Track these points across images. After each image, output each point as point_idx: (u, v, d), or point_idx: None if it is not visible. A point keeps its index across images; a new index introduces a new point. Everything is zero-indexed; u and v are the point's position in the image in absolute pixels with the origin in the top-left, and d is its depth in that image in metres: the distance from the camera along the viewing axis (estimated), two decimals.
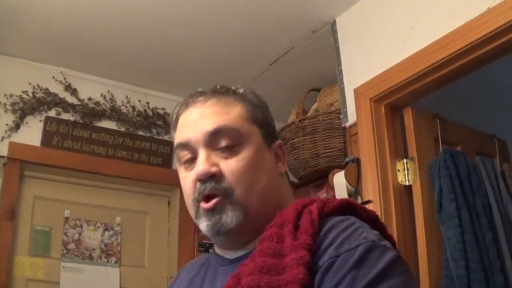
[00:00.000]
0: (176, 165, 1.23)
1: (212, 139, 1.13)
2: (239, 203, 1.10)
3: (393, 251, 0.97)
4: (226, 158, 1.12)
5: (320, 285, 0.92)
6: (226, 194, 1.10)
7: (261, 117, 1.21)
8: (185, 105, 1.21)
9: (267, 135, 1.21)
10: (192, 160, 1.15)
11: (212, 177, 1.10)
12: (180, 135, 1.18)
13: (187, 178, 1.15)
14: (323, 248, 0.97)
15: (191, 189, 1.14)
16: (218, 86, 1.22)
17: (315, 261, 0.94)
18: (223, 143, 1.12)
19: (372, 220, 1.11)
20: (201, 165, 1.11)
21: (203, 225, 1.11)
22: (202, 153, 1.13)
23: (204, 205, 1.11)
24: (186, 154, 1.16)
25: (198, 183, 1.12)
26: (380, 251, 0.95)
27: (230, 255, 1.17)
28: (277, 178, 1.19)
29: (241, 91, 1.23)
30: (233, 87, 1.23)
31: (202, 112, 1.16)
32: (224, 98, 1.19)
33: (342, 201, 1.11)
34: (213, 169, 1.10)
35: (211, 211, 1.10)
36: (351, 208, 1.11)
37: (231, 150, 1.13)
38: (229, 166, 1.11)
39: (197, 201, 1.12)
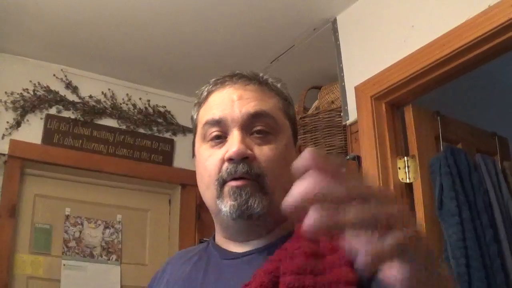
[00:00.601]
0: (196, 140, 1.18)
1: (250, 123, 1.10)
2: (268, 191, 1.07)
3: None
4: (259, 144, 1.10)
5: None
6: (257, 180, 1.06)
7: (292, 115, 1.21)
8: (221, 83, 1.17)
9: (295, 131, 1.21)
10: (220, 138, 1.11)
11: (245, 160, 1.06)
12: (213, 111, 1.13)
13: (213, 157, 1.11)
14: None
15: (215, 168, 1.09)
16: (260, 74, 1.20)
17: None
18: (260, 127, 1.10)
19: None
20: (236, 145, 1.07)
21: (227, 205, 1.07)
22: (236, 133, 1.09)
23: (233, 183, 1.06)
24: (214, 131, 1.12)
25: (227, 163, 1.08)
26: None
27: (238, 248, 1.13)
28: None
29: (278, 85, 1.21)
30: (270, 80, 1.21)
31: (242, 94, 1.13)
32: (262, 87, 1.17)
33: None
34: (249, 151, 1.07)
35: (239, 191, 1.06)
36: None
37: (265, 137, 1.10)
38: (263, 152, 1.09)
39: (223, 180, 1.08)
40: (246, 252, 1.11)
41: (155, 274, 1.31)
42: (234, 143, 1.07)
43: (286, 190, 1.06)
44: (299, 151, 1.19)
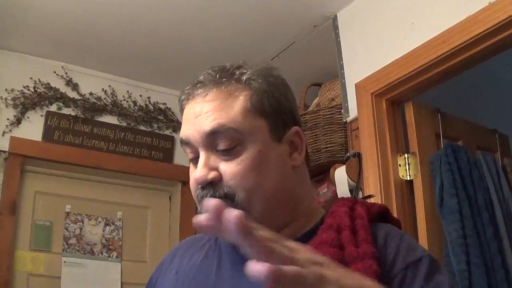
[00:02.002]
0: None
1: (211, 140, 1.05)
2: (241, 208, 1.00)
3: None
4: (226, 160, 1.05)
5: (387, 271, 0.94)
6: (227, 199, 1.02)
7: (269, 105, 1.09)
8: (187, 96, 1.12)
9: (277, 125, 1.09)
10: (196, 159, 1.08)
11: (211, 184, 1.04)
12: (182, 131, 1.11)
13: (191, 176, 1.10)
14: (391, 259, 0.98)
15: (194, 189, 1.09)
16: (218, 75, 1.10)
17: (382, 269, 0.94)
18: (221, 145, 1.04)
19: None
20: (199, 171, 1.05)
21: None
22: (201, 156, 1.06)
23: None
24: (190, 152, 1.10)
25: (199, 186, 1.06)
26: (437, 263, 1.02)
27: None
28: (289, 174, 1.10)
29: (245, 77, 1.10)
30: (237, 72, 1.11)
31: (201, 108, 1.07)
32: (225, 89, 1.08)
33: (382, 207, 1.13)
34: (211, 175, 1.04)
35: None
36: (385, 213, 1.13)
37: (231, 151, 1.04)
38: (229, 169, 1.04)
39: (199, 200, 1.07)
40: None
41: (160, 264, 1.28)
42: (198, 169, 1.05)
43: (268, 197, 1.05)
44: (297, 135, 1.13)
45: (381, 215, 1.11)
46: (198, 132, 1.06)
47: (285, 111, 1.12)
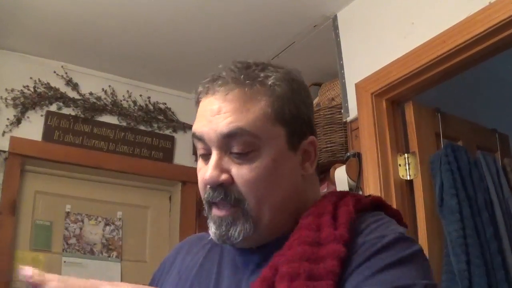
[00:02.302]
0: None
1: (226, 142, 1.02)
2: (250, 216, 1.02)
3: (419, 246, 0.97)
4: (239, 164, 1.02)
5: (348, 266, 0.90)
6: (238, 205, 1.01)
7: (289, 112, 1.06)
8: (206, 90, 1.08)
9: (294, 133, 1.07)
10: (207, 155, 1.05)
11: (222, 186, 1.01)
12: (196, 125, 1.07)
13: (200, 174, 1.07)
14: (357, 243, 0.95)
15: (203, 187, 1.06)
16: (243, 75, 1.05)
17: (349, 256, 0.92)
18: (236, 148, 1.01)
19: (397, 219, 1.08)
20: (210, 171, 1.01)
21: (211, 230, 1.05)
22: (213, 156, 1.03)
23: (216, 212, 1.04)
24: (201, 148, 1.07)
25: (208, 186, 1.03)
26: (408, 242, 0.95)
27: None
28: (299, 184, 1.08)
29: (270, 82, 1.06)
30: (262, 75, 1.07)
31: (220, 106, 1.03)
32: (248, 91, 1.04)
33: (374, 199, 1.10)
34: (222, 177, 1.01)
35: (219, 221, 1.03)
36: (380, 205, 1.10)
37: (246, 156, 1.02)
38: (242, 174, 1.01)
39: (208, 202, 1.05)
40: (261, 246, 1.07)
41: (163, 262, 1.28)
42: (208, 168, 1.02)
43: (277, 207, 1.04)
44: (312, 145, 1.11)
45: (375, 205, 1.08)
46: (215, 132, 1.02)
47: (304, 118, 1.10)
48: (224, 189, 1.02)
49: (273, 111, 1.04)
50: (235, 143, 1.02)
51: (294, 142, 1.07)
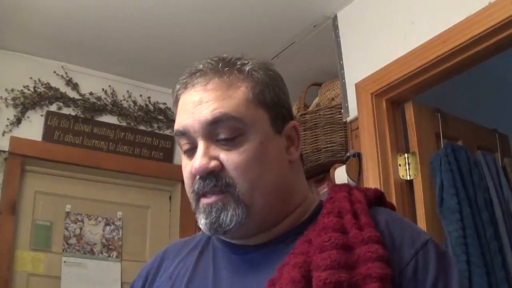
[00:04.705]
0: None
1: (212, 129, 1.02)
2: (242, 200, 1.00)
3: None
4: (227, 149, 1.02)
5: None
6: (228, 190, 1.00)
7: (270, 98, 1.08)
8: (184, 85, 1.09)
9: (277, 117, 1.08)
10: (192, 150, 1.05)
11: (212, 173, 1.01)
12: (178, 121, 1.07)
13: (186, 169, 1.06)
14: (397, 245, 0.97)
15: (189, 182, 1.05)
16: (220, 64, 1.07)
17: (390, 257, 0.93)
18: (222, 135, 1.01)
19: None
20: (198, 160, 1.01)
21: (201, 222, 1.03)
22: (200, 146, 1.02)
23: (204, 200, 1.02)
24: (185, 144, 1.06)
25: (197, 177, 1.03)
26: (438, 244, 1.01)
27: (245, 242, 1.08)
28: (286, 169, 1.08)
29: (247, 68, 1.08)
30: (238, 63, 1.09)
31: (202, 96, 1.04)
32: (227, 79, 1.05)
33: (376, 191, 1.11)
34: (212, 164, 1.01)
35: (209, 208, 1.01)
36: (381, 197, 1.12)
37: (232, 141, 1.01)
38: (231, 159, 1.01)
39: (197, 195, 1.03)
40: (259, 245, 1.07)
41: (146, 271, 1.23)
42: (196, 159, 1.02)
43: (269, 191, 1.03)
44: (294, 130, 1.12)
45: (377, 199, 1.10)
46: (199, 121, 1.02)
47: (284, 105, 1.11)
48: (214, 176, 1.01)
49: (254, 96, 1.06)
50: (221, 129, 1.02)
51: (278, 126, 1.08)
